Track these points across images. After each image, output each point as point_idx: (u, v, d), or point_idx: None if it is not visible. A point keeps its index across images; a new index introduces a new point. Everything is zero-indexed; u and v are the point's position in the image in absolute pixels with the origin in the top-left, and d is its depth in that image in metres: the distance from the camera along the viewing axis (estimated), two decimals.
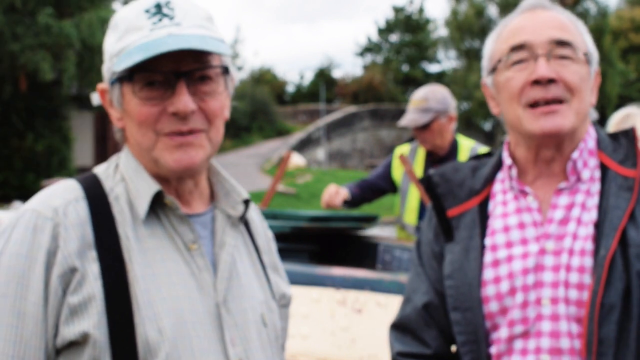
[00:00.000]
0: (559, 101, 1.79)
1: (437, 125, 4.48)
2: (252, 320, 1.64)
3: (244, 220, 1.74)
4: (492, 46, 1.90)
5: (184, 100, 1.53)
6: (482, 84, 1.95)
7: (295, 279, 3.91)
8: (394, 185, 4.83)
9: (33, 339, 1.48)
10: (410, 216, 4.65)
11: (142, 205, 1.57)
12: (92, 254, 1.51)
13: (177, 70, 1.54)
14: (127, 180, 1.60)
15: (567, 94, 1.79)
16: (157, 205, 1.59)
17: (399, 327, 1.97)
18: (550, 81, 1.78)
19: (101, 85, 1.64)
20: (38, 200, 1.56)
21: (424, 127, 4.48)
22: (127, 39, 1.56)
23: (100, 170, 1.65)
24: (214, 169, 1.72)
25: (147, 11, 1.57)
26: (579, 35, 1.86)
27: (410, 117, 4.53)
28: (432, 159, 4.62)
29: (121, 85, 1.58)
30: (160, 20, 1.55)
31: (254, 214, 1.82)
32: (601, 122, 5.26)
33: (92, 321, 1.47)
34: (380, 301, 3.65)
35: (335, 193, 4.66)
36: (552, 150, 1.84)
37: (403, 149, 4.83)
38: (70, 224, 1.51)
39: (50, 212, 1.52)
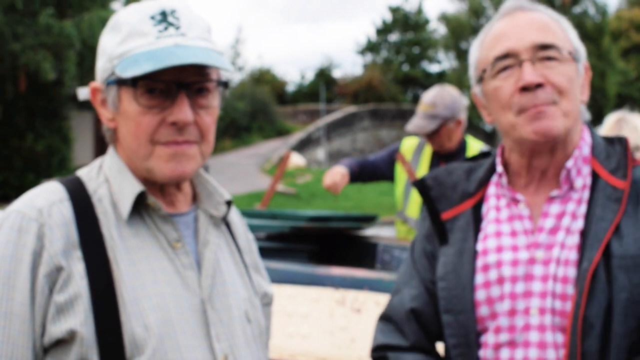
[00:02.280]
0: (550, 103, 1.77)
1: (444, 130, 4.45)
2: (236, 316, 1.66)
3: (225, 221, 1.77)
4: (477, 55, 1.88)
5: (185, 111, 1.56)
6: (472, 94, 1.94)
7: (295, 279, 3.92)
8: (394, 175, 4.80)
9: (21, 339, 1.50)
10: (414, 209, 4.65)
11: (125, 206, 1.59)
12: (77, 254, 1.53)
13: (180, 81, 1.56)
14: (110, 181, 1.62)
15: (557, 96, 1.77)
16: (141, 206, 1.61)
17: (384, 318, 1.97)
18: (538, 86, 1.76)
19: (94, 84, 1.64)
20: (22, 202, 1.58)
21: (432, 133, 4.48)
22: (130, 43, 1.57)
23: (83, 172, 1.67)
24: (196, 172, 1.74)
25: (152, 17, 1.58)
26: (563, 33, 1.84)
27: (417, 123, 4.49)
28: (440, 155, 4.62)
29: (119, 87, 1.59)
30: (166, 28, 1.57)
31: (235, 216, 1.84)
32: (599, 121, 5.25)
33: (79, 319, 1.49)
34: (379, 301, 3.66)
35: (340, 179, 4.57)
36: (546, 157, 1.83)
37: (411, 141, 4.81)
38: (55, 224, 1.53)
39: (34, 213, 1.54)
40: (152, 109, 1.56)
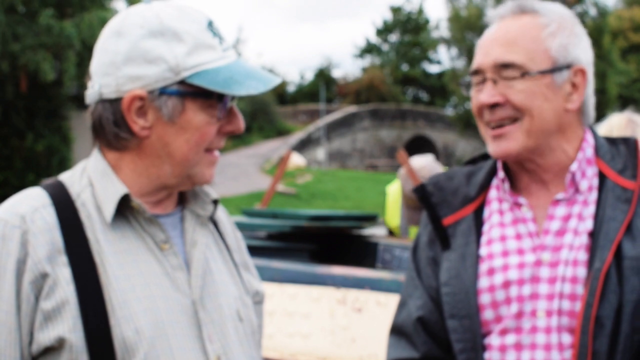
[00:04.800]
0: (514, 119, 1.79)
1: None
2: (228, 316, 1.64)
3: (213, 220, 1.76)
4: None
5: (242, 121, 1.65)
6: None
7: (296, 278, 3.92)
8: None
9: (7, 349, 1.47)
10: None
11: (109, 209, 1.56)
12: (63, 259, 1.50)
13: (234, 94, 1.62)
14: (94, 184, 1.59)
15: (518, 114, 1.78)
16: (126, 208, 1.58)
17: (394, 332, 1.98)
18: (496, 104, 1.79)
19: (138, 92, 1.55)
20: (4, 209, 1.54)
21: None
22: (201, 55, 1.56)
23: (65, 176, 1.64)
24: None
25: (208, 28, 1.59)
26: (539, 44, 1.80)
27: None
28: None
29: (183, 98, 1.56)
30: (220, 42, 1.60)
31: (222, 215, 1.83)
32: (599, 121, 5.26)
33: (67, 325, 1.47)
34: (380, 300, 3.67)
35: None
36: (527, 163, 1.84)
37: (396, 188, 4.94)
38: (38, 230, 1.50)
39: (17, 220, 1.51)
40: (220, 120, 1.59)
